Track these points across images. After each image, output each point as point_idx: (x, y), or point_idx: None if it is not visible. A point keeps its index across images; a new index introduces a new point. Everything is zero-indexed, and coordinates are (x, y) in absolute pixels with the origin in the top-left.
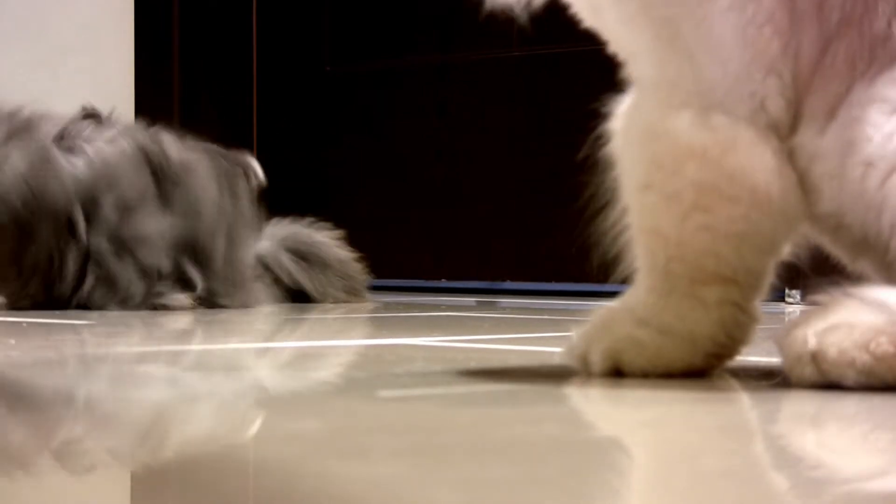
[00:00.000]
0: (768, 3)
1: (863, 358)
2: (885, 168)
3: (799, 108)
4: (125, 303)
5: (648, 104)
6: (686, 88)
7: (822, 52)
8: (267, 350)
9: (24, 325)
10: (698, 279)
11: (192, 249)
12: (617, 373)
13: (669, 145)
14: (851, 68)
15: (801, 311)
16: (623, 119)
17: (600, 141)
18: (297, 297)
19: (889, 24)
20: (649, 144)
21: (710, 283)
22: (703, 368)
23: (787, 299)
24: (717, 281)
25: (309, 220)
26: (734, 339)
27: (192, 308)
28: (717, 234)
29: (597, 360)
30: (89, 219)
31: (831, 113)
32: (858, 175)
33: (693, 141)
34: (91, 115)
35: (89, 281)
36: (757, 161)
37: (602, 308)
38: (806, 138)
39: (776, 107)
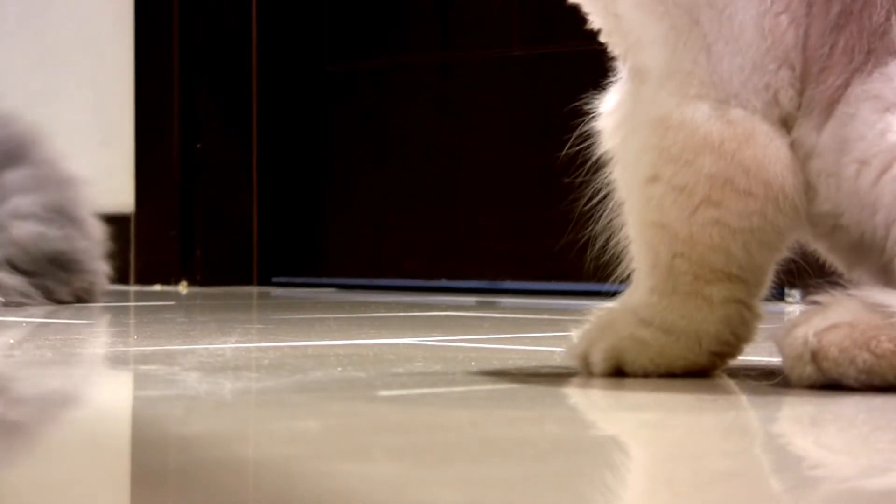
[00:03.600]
0: None
1: (863, 356)
2: (879, 166)
3: (800, 102)
4: None
5: (659, 95)
6: (701, 79)
7: (824, 43)
8: (267, 349)
9: (24, 324)
10: (703, 276)
11: None
12: (618, 373)
13: (684, 137)
14: (849, 61)
15: (801, 311)
16: (617, 113)
17: (587, 141)
18: None
19: (888, 17)
20: (659, 135)
21: (715, 281)
22: (706, 367)
23: (787, 299)
24: (723, 278)
25: None
26: (739, 338)
27: None
28: (728, 230)
29: (598, 360)
30: None
31: (829, 108)
32: (852, 173)
33: (710, 133)
34: None
35: None
36: (772, 155)
37: (602, 308)
38: (803, 133)
39: (787, 99)
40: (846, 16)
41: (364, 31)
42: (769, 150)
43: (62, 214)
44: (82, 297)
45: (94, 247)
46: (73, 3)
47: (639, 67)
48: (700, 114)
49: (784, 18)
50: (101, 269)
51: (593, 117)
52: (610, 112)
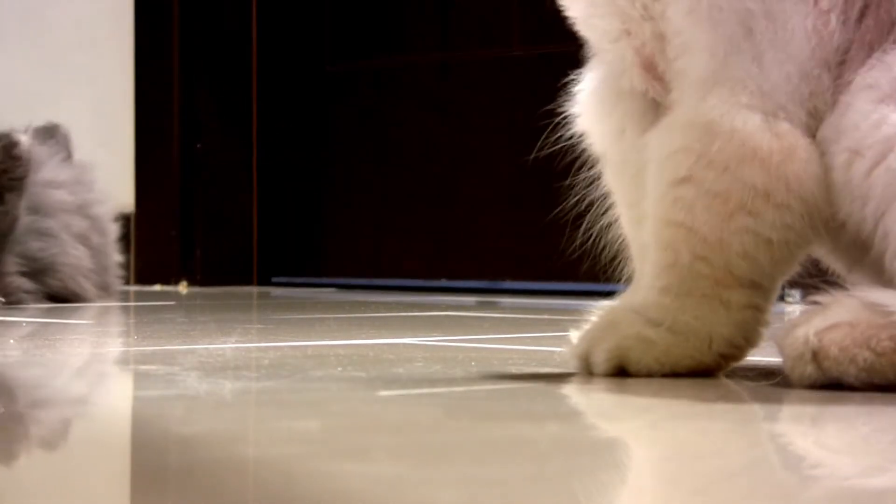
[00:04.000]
0: None
1: (864, 355)
2: (872, 158)
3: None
4: None
5: (705, 101)
6: (751, 89)
7: (845, 38)
8: (267, 349)
9: (24, 324)
10: (724, 281)
11: None
12: (620, 372)
13: (733, 145)
14: (866, 56)
15: (801, 311)
16: (612, 117)
17: (580, 149)
18: None
19: None
20: (704, 141)
21: (736, 286)
22: (711, 368)
23: (787, 299)
24: (745, 284)
25: None
26: (749, 342)
27: None
28: (761, 239)
29: (600, 360)
30: None
31: (835, 102)
32: (844, 162)
33: (761, 144)
34: None
35: None
36: (811, 172)
37: (603, 308)
38: (820, 133)
39: (823, 104)
40: (865, 9)
41: (364, 31)
42: (809, 167)
43: (44, 234)
44: (61, 298)
45: (67, 256)
46: (73, 4)
47: (671, 71)
48: (752, 124)
49: (833, 17)
50: (76, 274)
51: (570, 120)
52: (593, 116)
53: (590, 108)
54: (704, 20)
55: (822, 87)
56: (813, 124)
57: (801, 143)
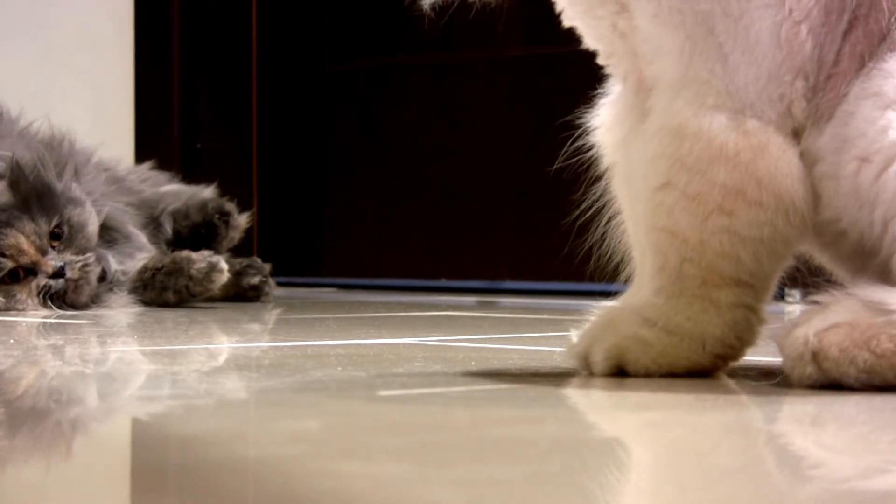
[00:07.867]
0: (807, 0)
1: (864, 356)
2: (880, 163)
3: (809, 112)
4: None
5: (674, 105)
6: (718, 89)
7: (832, 50)
8: (267, 349)
9: (24, 324)
10: (712, 281)
11: None
12: (619, 372)
13: (700, 146)
14: (859, 68)
15: (802, 311)
16: (617, 129)
17: (584, 151)
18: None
19: (890, 21)
20: (675, 144)
21: (723, 286)
22: (708, 369)
23: (787, 299)
24: (731, 284)
25: None
26: (743, 342)
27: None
28: (738, 238)
29: (599, 360)
30: None
31: (831, 113)
32: (852, 171)
33: (727, 143)
34: None
35: None
36: (784, 167)
37: (603, 308)
38: (810, 142)
39: (800, 110)
40: (853, 21)
41: (364, 31)
42: (781, 163)
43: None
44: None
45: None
46: (73, 3)
47: (648, 79)
48: (717, 124)
49: (804, 28)
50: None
51: (587, 131)
52: (608, 127)
53: (605, 119)
54: (667, 23)
55: (795, 92)
56: (788, 123)
57: (773, 140)
